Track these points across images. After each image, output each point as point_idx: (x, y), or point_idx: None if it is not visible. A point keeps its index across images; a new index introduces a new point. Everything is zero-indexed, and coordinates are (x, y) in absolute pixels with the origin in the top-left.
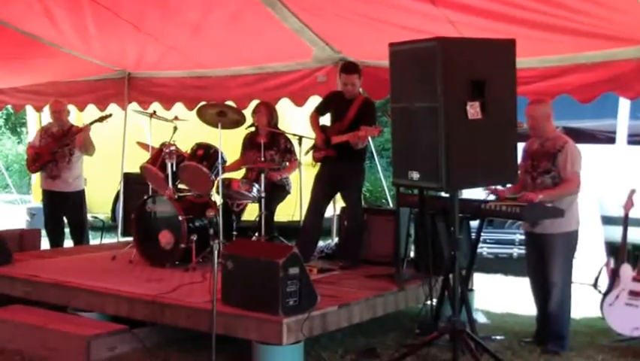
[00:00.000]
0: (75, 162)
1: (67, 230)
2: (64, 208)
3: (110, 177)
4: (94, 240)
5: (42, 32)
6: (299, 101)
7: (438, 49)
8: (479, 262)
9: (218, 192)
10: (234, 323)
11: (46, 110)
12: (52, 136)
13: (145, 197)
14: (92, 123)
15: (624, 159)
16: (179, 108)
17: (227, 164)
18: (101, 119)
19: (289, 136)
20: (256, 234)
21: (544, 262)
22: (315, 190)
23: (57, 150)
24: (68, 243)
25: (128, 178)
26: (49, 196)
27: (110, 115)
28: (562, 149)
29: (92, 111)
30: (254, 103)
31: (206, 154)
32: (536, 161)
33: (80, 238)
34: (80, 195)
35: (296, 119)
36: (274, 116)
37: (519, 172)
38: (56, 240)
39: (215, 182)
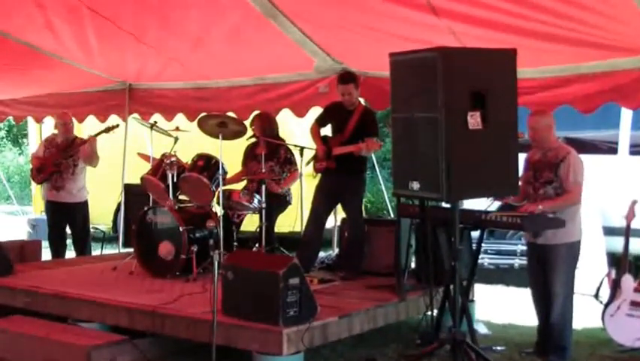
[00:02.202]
0: (79, 173)
1: (68, 241)
2: (67, 219)
3: (110, 188)
4: (94, 251)
5: (43, 44)
6: (300, 111)
7: (438, 59)
8: (480, 272)
9: (218, 203)
10: (235, 333)
11: (47, 121)
12: (57, 147)
13: (145, 208)
14: (98, 134)
15: (626, 170)
16: (180, 119)
17: (228, 175)
18: (107, 130)
19: (290, 147)
20: (256, 245)
21: (547, 273)
22: (316, 201)
23: (61, 161)
24: (70, 254)
25: (128, 189)
26: (52, 207)
27: (117, 126)
28: (564, 159)
29: (91, 122)
30: (255, 114)
31: (207, 165)
32: (538, 172)
33: (82, 248)
34: (84, 205)
35: (297, 130)
36: (272, 127)
37: (521, 183)
38: (59, 251)
39: (216, 193)
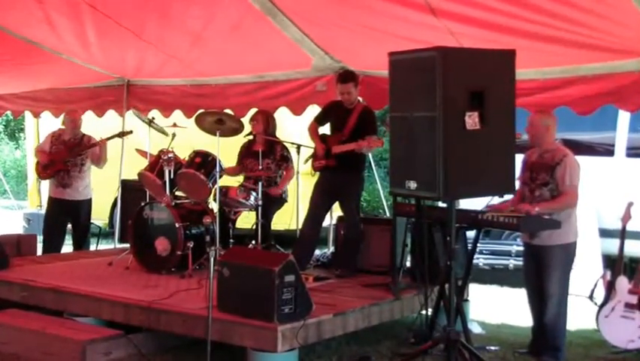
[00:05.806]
0: (86, 171)
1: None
2: (71, 216)
3: (107, 183)
4: (90, 246)
5: (42, 39)
6: (297, 110)
7: (437, 58)
8: (475, 272)
9: (215, 200)
10: (230, 329)
11: (45, 115)
12: (64, 144)
13: (142, 204)
14: (110, 138)
15: (623, 172)
16: (177, 116)
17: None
18: (120, 135)
19: (287, 144)
20: (253, 242)
21: (542, 274)
22: (314, 199)
23: (70, 159)
24: (65, 249)
25: (125, 185)
26: (57, 204)
27: (131, 132)
28: (560, 162)
29: (89, 118)
30: (252, 111)
31: (204, 162)
32: (535, 173)
33: (81, 245)
34: (89, 203)
35: (294, 128)
36: (271, 125)
37: (518, 184)
38: (54, 246)
39: (213, 189)
